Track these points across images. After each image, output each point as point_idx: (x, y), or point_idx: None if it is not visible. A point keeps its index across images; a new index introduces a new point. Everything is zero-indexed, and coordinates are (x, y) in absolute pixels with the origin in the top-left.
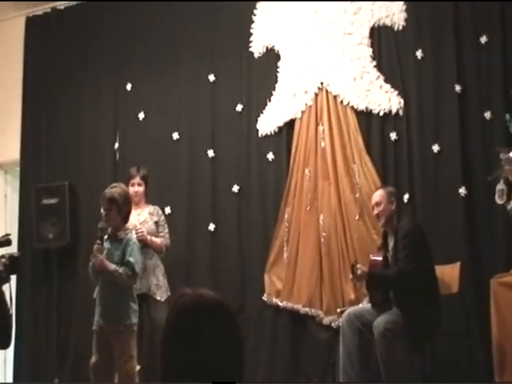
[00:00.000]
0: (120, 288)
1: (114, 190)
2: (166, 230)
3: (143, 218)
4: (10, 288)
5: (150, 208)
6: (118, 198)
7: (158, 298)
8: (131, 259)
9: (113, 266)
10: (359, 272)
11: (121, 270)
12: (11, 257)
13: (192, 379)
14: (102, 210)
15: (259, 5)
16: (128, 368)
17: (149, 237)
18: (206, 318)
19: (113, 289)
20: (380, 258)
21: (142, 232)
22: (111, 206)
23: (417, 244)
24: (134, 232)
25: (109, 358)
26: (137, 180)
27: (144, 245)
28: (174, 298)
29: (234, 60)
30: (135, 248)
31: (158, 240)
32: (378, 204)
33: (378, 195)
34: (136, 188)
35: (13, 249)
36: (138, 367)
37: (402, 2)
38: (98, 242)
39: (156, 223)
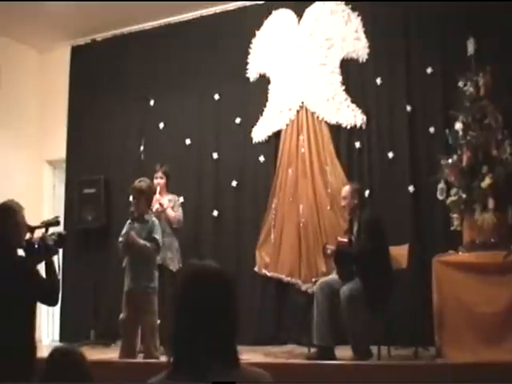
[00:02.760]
0: (146, 259)
1: (142, 183)
2: (180, 211)
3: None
4: (59, 259)
5: (169, 196)
6: (145, 189)
7: (171, 268)
8: (157, 236)
9: (142, 242)
10: (329, 251)
11: (149, 244)
12: (59, 234)
13: (197, 332)
14: (131, 199)
15: (254, 39)
16: (152, 321)
17: (166, 206)
18: (210, 282)
19: (142, 260)
20: (345, 240)
21: (159, 200)
22: (140, 196)
23: (375, 229)
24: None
25: (135, 315)
26: (159, 174)
27: (161, 213)
28: (185, 266)
29: (234, 83)
30: (159, 228)
31: (172, 213)
32: (344, 198)
33: (345, 191)
34: (158, 180)
35: (60, 228)
36: (158, 321)
37: (365, 40)
38: (131, 222)
39: (173, 207)
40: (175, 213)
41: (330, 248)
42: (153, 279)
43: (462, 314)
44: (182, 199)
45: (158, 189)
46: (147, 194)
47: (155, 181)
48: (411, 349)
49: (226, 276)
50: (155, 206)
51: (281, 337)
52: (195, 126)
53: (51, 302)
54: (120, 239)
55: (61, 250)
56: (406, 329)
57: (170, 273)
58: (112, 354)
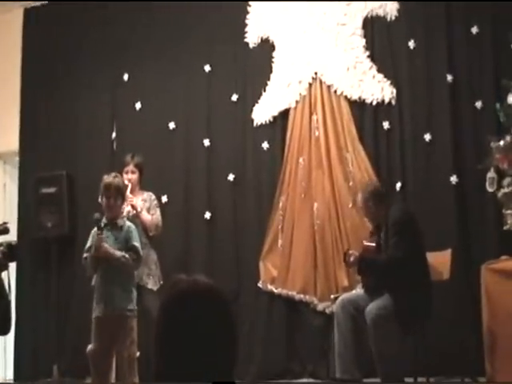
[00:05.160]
0: (122, 275)
1: (117, 179)
2: (158, 213)
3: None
4: (9, 275)
5: (144, 195)
6: (122, 187)
7: (150, 287)
8: (136, 243)
9: (119, 253)
10: (351, 259)
11: (127, 255)
12: (9, 245)
13: (186, 365)
14: (102, 199)
15: None
16: (130, 352)
17: (139, 209)
18: (201, 303)
19: (116, 276)
20: (373, 244)
21: (131, 200)
22: (118, 195)
23: (407, 231)
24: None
25: (108, 345)
26: (130, 167)
27: (134, 217)
28: (169, 283)
29: (229, 50)
30: (136, 234)
31: (148, 216)
32: (364, 211)
33: (360, 200)
34: (129, 175)
35: (12, 237)
36: (138, 353)
37: None
38: (98, 232)
39: (148, 209)
40: (152, 216)
41: (353, 255)
42: (131, 300)
43: None
44: (164, 199)
45: (130, 186)
46: (124, 193)
47: (126, 176)
48: (456, 380)
49: (221, 294)
50: (126, 209)
51: (293, 369)
52: (181, 105)
53: (1, 331)
54: (85, 255)
55: (13, 265)
56: (449, 355)
57: (149, 293)
58: None
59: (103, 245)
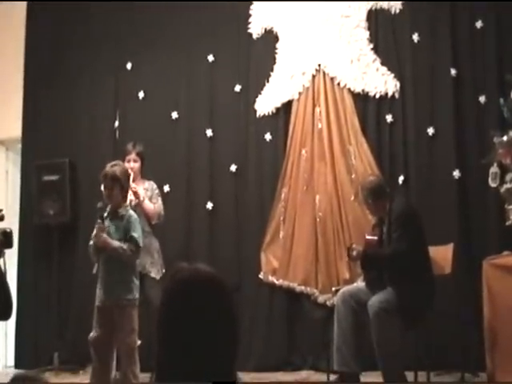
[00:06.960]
0: (123, 264)
1: (116, 168)
2: (160, 202)
3: None
4: (5, 261)
5: (146, 184)
6: (120, 176)
7: (153, 276)
8: (135, 234)
9: (117, 243)
10: (355, 253)
11: (125, 246)
12: (4, 232)
13: (187, 354)
14: (102, 188)
15: None
16: (130, 341)
17: (142, 197)
18: (202, 291)
19: (116, 265)
20: (375, 238)
21: (135, 188)
22: (114, 184)
23: (409, 225)
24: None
25: (109, 333)
26: (132, 156)
27: (136, 206)
28: (171, 272)
29: (232, 41)
30: (137, 224)
31: (151, 205)
32: (367, 207)
33: (360, 196)
34: (131, 164)
35: (7, 224)
36: (138, 342)
37: None
38: (99, 221)
39: (150, 198)
40: (154, 204)
41: (356, 249)
42: (131, 289)
43: None
44: (166, 188)
45: (132, 175)
46: (122, 182)
47: (127, 164)
48: (456, 374)
49: (222, 284)
50: (128, 198)
51: (293, 361)
52: (184, 95)
53: (2, 316)
54: (91, 242)
55: (15, 253)
56: (450, 350)
57: (152, 281)
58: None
59: (101, 234)
